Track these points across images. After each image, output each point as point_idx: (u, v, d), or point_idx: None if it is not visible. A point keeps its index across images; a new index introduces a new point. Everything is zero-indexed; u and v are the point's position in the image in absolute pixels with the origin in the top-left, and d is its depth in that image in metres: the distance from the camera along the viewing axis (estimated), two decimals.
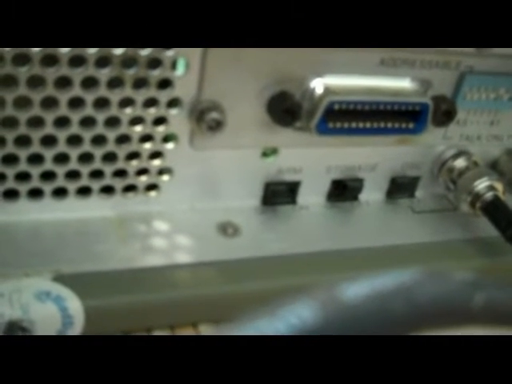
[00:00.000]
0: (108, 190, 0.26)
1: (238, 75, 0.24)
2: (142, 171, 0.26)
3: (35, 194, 0.24)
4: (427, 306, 0.10)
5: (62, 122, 0.23)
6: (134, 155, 0.25)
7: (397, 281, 0.10)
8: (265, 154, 0.27)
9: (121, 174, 0.25)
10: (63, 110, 0.23)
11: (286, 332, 0.08)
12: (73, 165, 0.24)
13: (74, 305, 0.22)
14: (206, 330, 0.25)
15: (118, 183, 0.25)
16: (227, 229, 0.27)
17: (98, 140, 0.24)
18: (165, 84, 0.24)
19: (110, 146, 0.24)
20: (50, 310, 0.22)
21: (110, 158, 0.25)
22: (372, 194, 0.30)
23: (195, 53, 0.23)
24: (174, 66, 0.23)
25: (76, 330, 0.22)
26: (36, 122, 0.23)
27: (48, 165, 0.24)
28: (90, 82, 0.23)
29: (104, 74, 0.22)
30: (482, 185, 0.29)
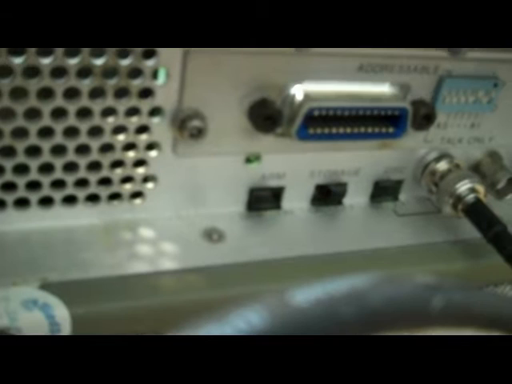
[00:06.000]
0: (93, 199, 0.26)
1: (219, 83, 0.25)
2: (127, 179, 0.26)
3: (22, 203, 0.25)
4: (381, 310, 0.11)
5: (45, 133, 0.23)
6: (118, 163, 0.25)
7: (350, 285, 0.10)
8: (248, 160, 0.28)
9: (105, 182, 0.26)
10: (46, 120, 0.23)
11: None
12: (58, 174, 0.24)
13: (61, 312, 0.22)
14: None
15: (103, 191, 0.26)
16: (212, 235, 0.27)
17: (82, 149, 0.24)
18: (146, 93, 0.24)
19: (94, 155, 0.25)
20: (37, 318, 0.22)
21: (94, 166, 0.25)
22: (356, 198, 0.31)
23: (175, 62, 0.24)
24: (154, 75, 0.24)
25: None
26: (20, 133, 0.23)
27: (33, 175, 0.24)
28: (72, 93, 0.23)
29: (86, 85, 0.23)
30: (463, 187, 0.29)
